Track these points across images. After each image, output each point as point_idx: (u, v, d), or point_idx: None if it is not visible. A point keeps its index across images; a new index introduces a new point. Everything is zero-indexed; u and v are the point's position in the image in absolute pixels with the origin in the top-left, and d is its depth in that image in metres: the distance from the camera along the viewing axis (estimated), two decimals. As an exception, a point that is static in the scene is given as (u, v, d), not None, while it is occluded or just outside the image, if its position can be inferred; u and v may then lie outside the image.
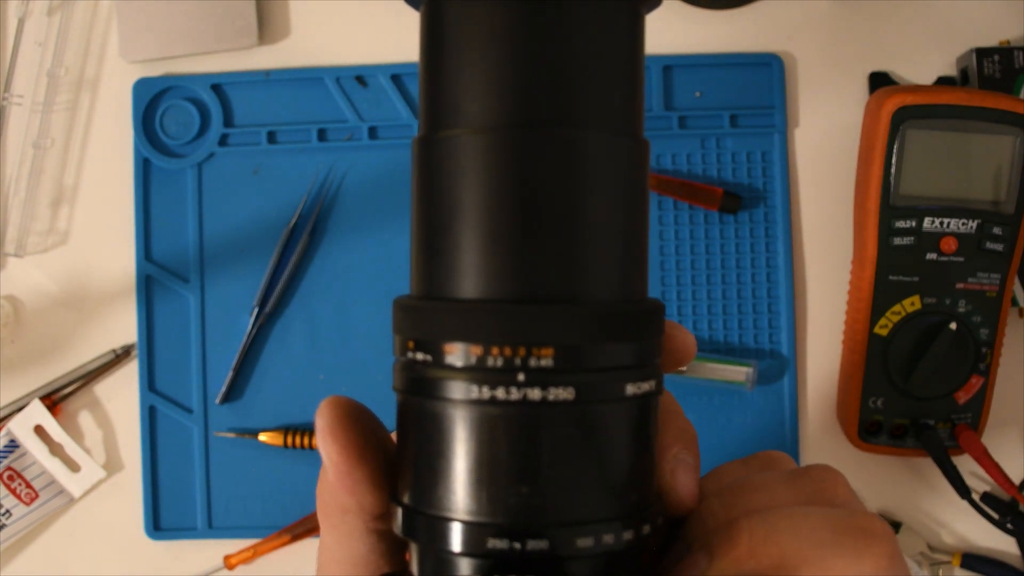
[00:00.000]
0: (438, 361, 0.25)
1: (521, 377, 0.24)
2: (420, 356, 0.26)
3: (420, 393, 0.26)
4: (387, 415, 0.79)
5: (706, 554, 0.27)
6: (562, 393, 0.24)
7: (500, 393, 0.24)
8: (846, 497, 0.29)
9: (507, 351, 0.24)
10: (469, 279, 0.25)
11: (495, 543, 0.24)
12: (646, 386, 0.26)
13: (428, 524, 0.25)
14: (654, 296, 0.28)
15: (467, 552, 0.25)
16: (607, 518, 0.25)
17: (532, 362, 0.24)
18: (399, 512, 0.26)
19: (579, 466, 0.25)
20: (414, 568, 0.27)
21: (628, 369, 0.25)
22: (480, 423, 0.25)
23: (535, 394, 0.24)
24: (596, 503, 0.25)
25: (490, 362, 0.24)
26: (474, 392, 0.24)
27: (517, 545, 0.24)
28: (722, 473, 0.30)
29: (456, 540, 0.25)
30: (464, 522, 0.25)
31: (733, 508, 0.28)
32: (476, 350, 0.24)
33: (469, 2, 0.25)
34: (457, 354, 0.25)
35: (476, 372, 0.24)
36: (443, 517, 0.25)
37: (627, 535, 0.25)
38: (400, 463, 0.27)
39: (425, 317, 0.26)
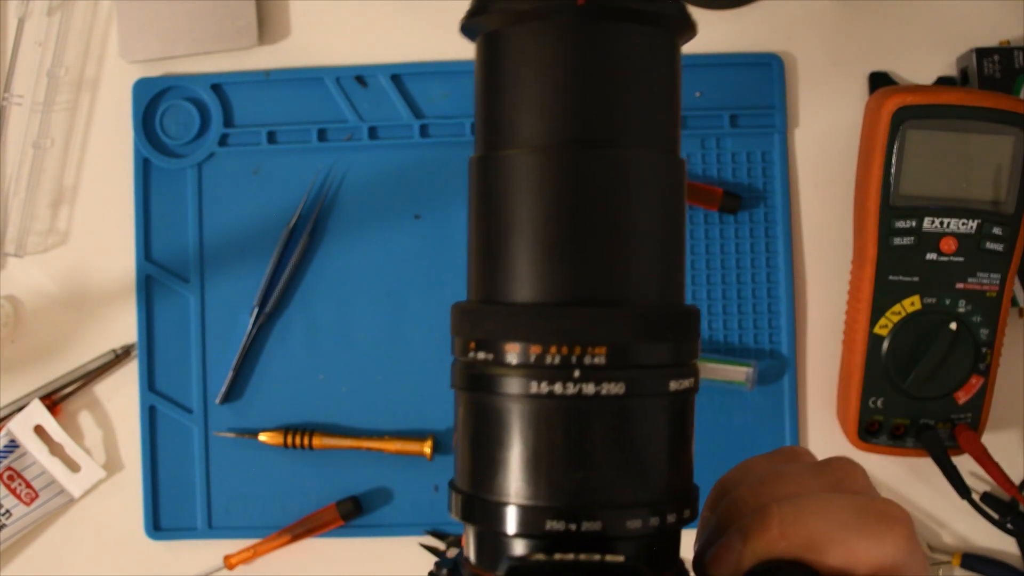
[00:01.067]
0: (499, 360, 0.27)
1: (576, 373, 0.27)
2: (481, 355, 0.28)
3: (481, 389, 0.28)
4: (387, 414, 0.79)
5: (740, 537, 0.28)
6: (613, 388, 0.27)
7: (557, 388, 0.26)
8: (865, 485, 0.31)
9: (564, 349, 0.27)
10: (527, 284, 0.27)
11: (552, 524, 0.26)
12: (686, 383, 0.28)
13: (486, 508, 0.28)
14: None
15: (525, 533, 0.27)
16: (653, 501, 0.27)
17: (587, 360, 0.26)
18: (458, 498, 0.29)
19: (628, 454, 0.27)
20: (471, 550, 0.29)
21: (670, 367, 0.28)
22: (538, 415, 0.27)
23: (589, 388, 0.26)
24: (643, 488, 0.27)
25: (548, 360, 0.27)
26: (533, 387, 0.27)
27: (573, 526, 0.26)
28: (749, 466, 0.32)
29: (514, 522, 0.27)
30: (522, 506, 0.27)
31: (763, 496, 0.30)
32: (535, 349, 0.27)
33: (524, 35, 0.28)
34: (517, 352, 0.27)
35: (535, 369, 0.27)
36: (502, 502, 0.27)
37: (671, 517, 0.27)
38: (458, 454, 0.29)
39: (487, 319, 0.28)
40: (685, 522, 0.28)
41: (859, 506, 0.28)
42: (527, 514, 0.27)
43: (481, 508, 0.28)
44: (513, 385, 0.27)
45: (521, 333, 0.27)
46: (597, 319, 0.27)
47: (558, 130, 0.27)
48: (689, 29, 0.29)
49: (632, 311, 0.27)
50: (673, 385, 0.28)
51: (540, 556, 0.26)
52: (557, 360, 0.26)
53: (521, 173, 0.28)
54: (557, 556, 0.26)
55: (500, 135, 0.28)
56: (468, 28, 0.29)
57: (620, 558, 0.26)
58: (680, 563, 0.29)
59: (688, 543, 0.31)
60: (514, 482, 0.27)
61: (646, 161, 0.28)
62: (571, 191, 0.27)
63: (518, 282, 0.27)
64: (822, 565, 0.27)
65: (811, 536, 0.27)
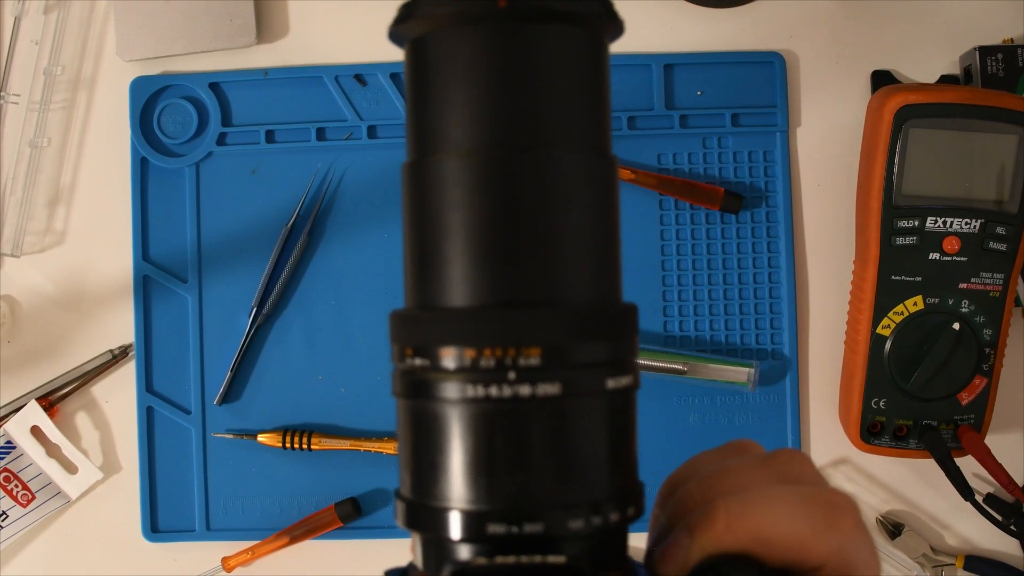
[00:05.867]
0: (435, 365, 0.27)
1: (512, 375, 0.27)
2: (418, 361, 0.28)
3: (420, 395, 0.28)
4: (385, 415, 0.78)
5: (687, 533, 0.28)
6: (549, 388, 0.27)
7: (493, 391, 0.26)
8: (812, 475, 0.30)
9: (498, 352, 0.27)
10: (460, 288, 0.27)
11: (494, 528, 0.26)
12: (624, 380, 0.28)
13: (430, 515, 0.27)
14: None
15: (468, 538, 0.27)
16: (595, 501, 0.27)
17: (521, 361, 0.27)
18: (402, 506, 0.28)
19: (567, 454, 0.27)
20: (418, 557, 0.28)
21: (607, 365, 0.28)
22: (476, 419, 0.27)
23: (525, 390, 0.26)
24: (585, 487, 0.27)
25: (483, 363, 0.27)
26: (469, 391, 0.27)
27: (515, 529, 0.26)
28: (697, 461, 0.32)
29: (456, 528, 0.27)
30: (464, 511, 0.27)
31: (709, 491, 0.29)
32: (470, 352, 0.27)
33: (448, 40, 0.28)
34: (452, 357, 0.27)
35: (470, 373, 0.27)
36: (445, 507, 0.27)
37: (614, 516, 0.27)
38: (402, 462, 0.29)
39: (421, 325, 0.28)
40: (630, 520, 0.28)
41: (805, 496, 0.28)
42: (469, 519, 0.27)
43: (424, 515, 0.28)
44: (450, 390, 0.27)
45: (455, 337, 0.27)
46: (530, 320, 0.27)
47: (484, 134, 0.28)
48: (616, 26, 0.29)
49: (565, 311, 0.27)
50: (611, 383, 0.28)
51: (482, 560, 0.26)
52: (491, 363, 0.27)
53: (450, 177, 0.28)
54: (499, 559, 0.26)
55: (429, 140, 0.29)
56: (395, 35, 0.30)
57: (562, 559, 0.26)
58: (629, 561, 0.29)
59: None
60: (455, 487, 0.27)
61: (573, 161, 0.28)
62: (499, 194, 0.27)
63: (452, 287, 0.28)
64: (770, 557, 0.27)
65: (758, 529, 0.27)
